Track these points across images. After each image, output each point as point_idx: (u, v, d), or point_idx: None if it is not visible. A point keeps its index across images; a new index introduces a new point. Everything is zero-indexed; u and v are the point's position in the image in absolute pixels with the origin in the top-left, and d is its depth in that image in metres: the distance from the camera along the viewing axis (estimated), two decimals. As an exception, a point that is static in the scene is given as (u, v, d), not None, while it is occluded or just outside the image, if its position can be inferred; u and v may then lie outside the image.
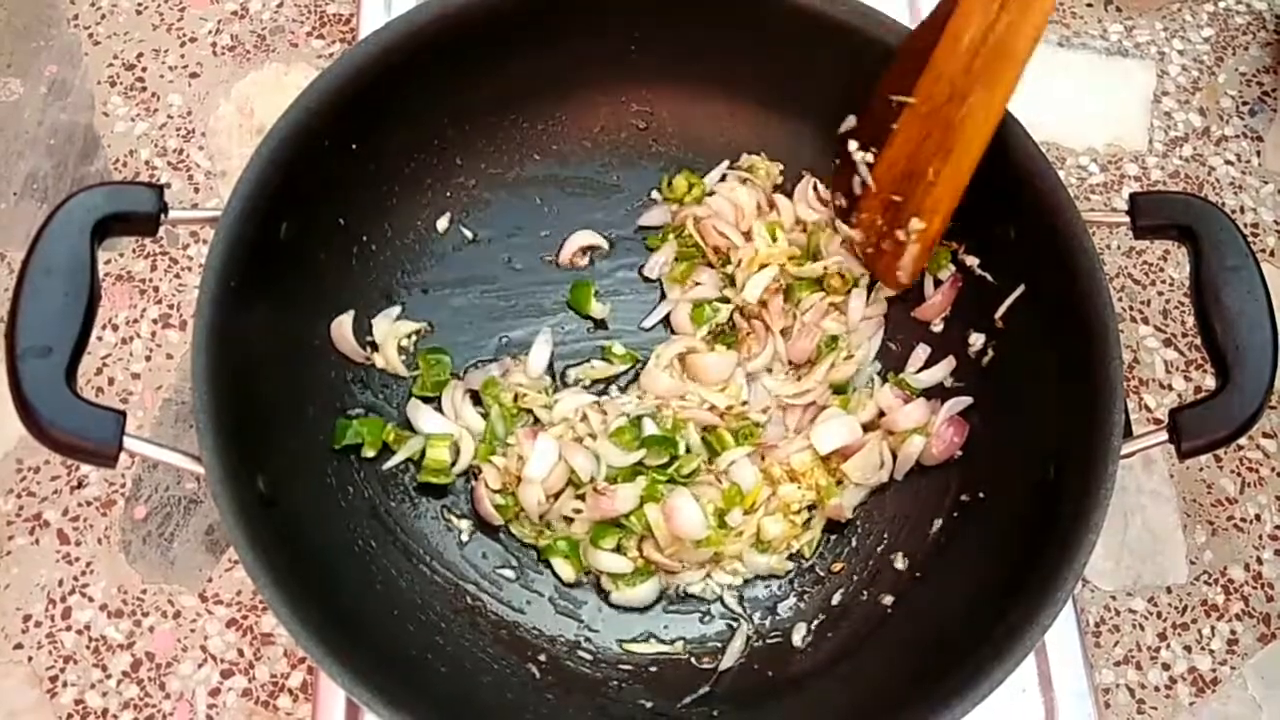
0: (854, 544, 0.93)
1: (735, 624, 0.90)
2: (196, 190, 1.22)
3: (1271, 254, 1.25)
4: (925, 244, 0.89)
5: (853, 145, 0.91)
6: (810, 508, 0.92)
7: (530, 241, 1.02)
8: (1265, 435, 1.15)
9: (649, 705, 0.85)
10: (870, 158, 0.90)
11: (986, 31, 0.80)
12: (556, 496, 0.90)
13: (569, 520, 0.90)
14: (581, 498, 0.89)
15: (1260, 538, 1.11)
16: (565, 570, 0.90)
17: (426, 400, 0.94)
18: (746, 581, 0.91)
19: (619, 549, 0.89)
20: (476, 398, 0.94)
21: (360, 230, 0.94)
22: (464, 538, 0.91)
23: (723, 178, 1.02)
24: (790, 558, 0.92)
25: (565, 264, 1.01)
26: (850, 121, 0.93)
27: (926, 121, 0.85)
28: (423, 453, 0.91)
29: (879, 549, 0.92)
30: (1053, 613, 0.72)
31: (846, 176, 0.93)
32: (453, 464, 0.91)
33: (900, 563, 0.91)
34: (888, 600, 0.89)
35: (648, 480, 0.89)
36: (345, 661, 0.70)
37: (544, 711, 0.82)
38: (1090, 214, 0.83)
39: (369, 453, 0.90)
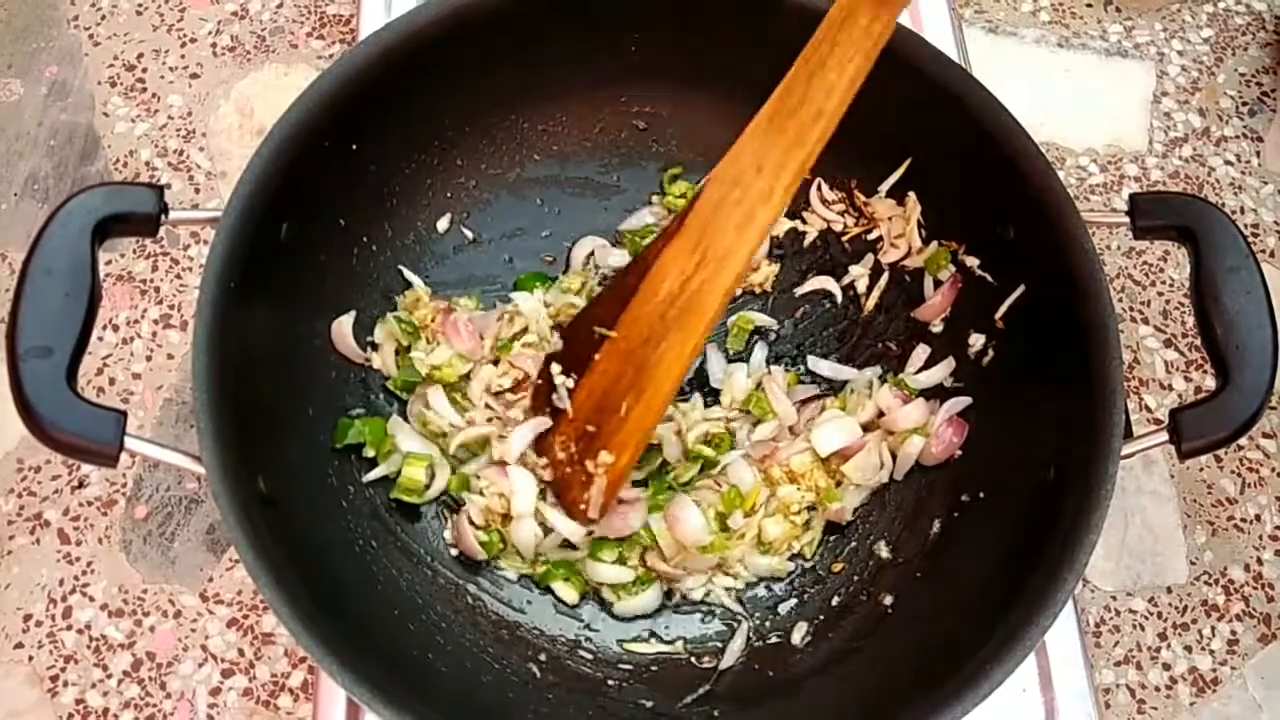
0: (854, 544, 0.93)
1: (735, 624, 0.90)
2: (197, 191, 1.22)
3: (1271, 254, 1.25)
4: (613, 479, 0.86)
5: (555, 368, 0.90)
6: (810, 508, 0.92)
7: (531, 242, 1.02)
8: (1265, 435, 1.15)
9: (649, 705, 0.85)
10: (570, 383, 0.89)
11: (684, 284, 0.82)
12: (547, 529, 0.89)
13: (567, 544, 0.90)
14: None
15: (1260, 538, 1.11)
16: (568, 593, 0.89)
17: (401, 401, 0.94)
18: (748, 585, 0.91)
19: (620, 560, 0.89)
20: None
21: (360, 231, 0.94)
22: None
23: None
24: (791, 559, 0.92)
25: (576, 269, 1.00)
26: (557, 343, 0.93)
27: (624, 359, 0.85)
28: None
29: (879, 549, 0.92)
30: (1053, 613, 0.72)
31: (545, 396, 0.91)
32: (428, 486, 0.90)
33: (900, 563, 0.91)
34: (888, 600, 0.89)
35: (651, 491, 0.89)
36: (345, 661, 0.70)
37: (544, 711, 0.82)
38: (1090, 214, 0.83)
39: (370, 453, 0.90)
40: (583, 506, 0.87)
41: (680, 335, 0.82)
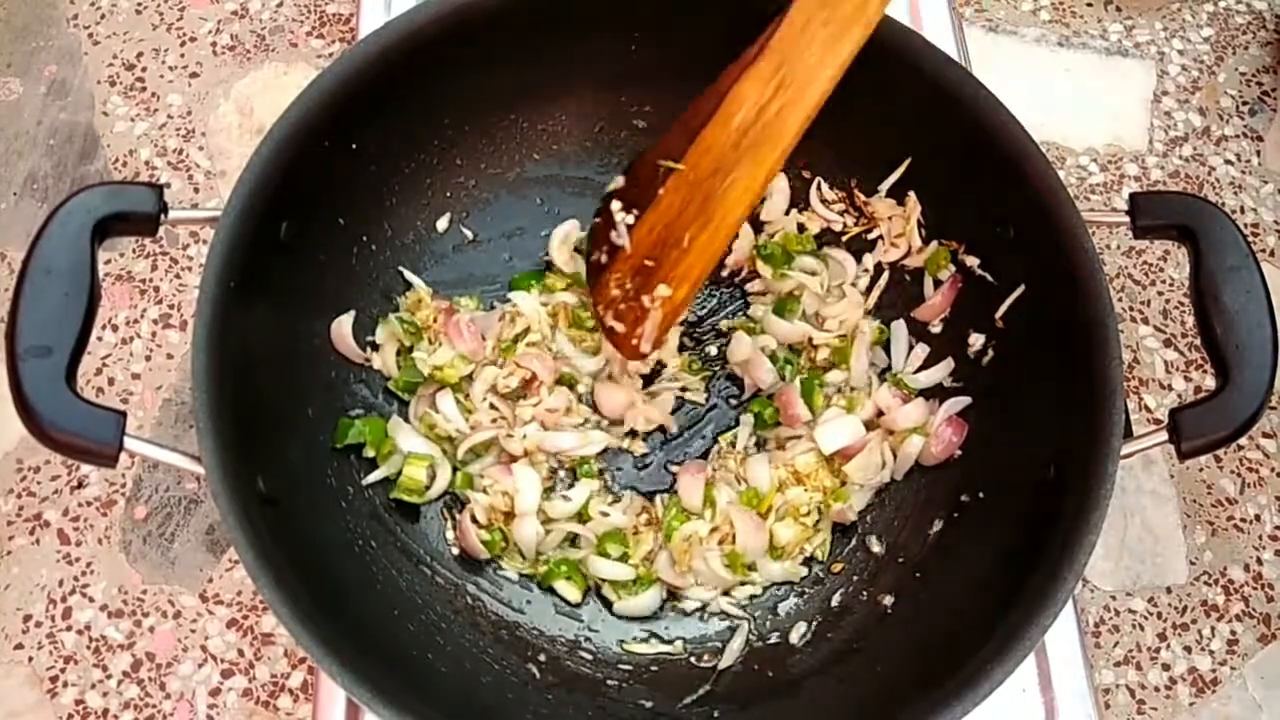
0: (854, 544, 0.93)
1: (735, 624, 0.90)
2: (196, 190, 1.22)
3: (1271, 254, 1.25)
4: (668, 311, 0.87)
5: (615, 205, 0.90)
6: (818, 510, 0.92)
7: (530, 242, 1.01)
8: (1265, 435, 1.15)
9: (649, 705, 0.85)
10: (630, 219, 0.89)
11: (759, 112, 0.82)
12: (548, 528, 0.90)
13: (572, 541, 0.90)
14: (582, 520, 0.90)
15: (1260, 538, 1.11)
16: (570, 591, 0.89)
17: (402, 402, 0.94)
18: (764, 589, 0.91)
19: (623, 557, 0.89)
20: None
21: (360, 230, 0.94)
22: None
23: None
24: (805, 563, 0.91)
25: (562, 263, 1.00)
26: (618, 181, 0.92)
27: (690, 190, 0.85)
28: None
29: (878, 549, 0.92)
30: (1053, 613, 0.72)
31: (605, 234, 0.91)
32: (429, 486, 0.90)
33: (900, 563, 0.91)
34: (888, 600, 0.89)
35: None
36: (345, 661, 0.70)
37: (544, 711, 0.82)
38: (1090, 214, 0.83)
39: (369, 453, 0.90)
40: (635, 341, 0.88)
41: (753, 164, 0.82)
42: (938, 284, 0.97)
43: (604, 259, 0.90)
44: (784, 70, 0.81)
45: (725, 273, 1.01)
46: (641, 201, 0.88)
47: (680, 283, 0.86)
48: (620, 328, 0.90)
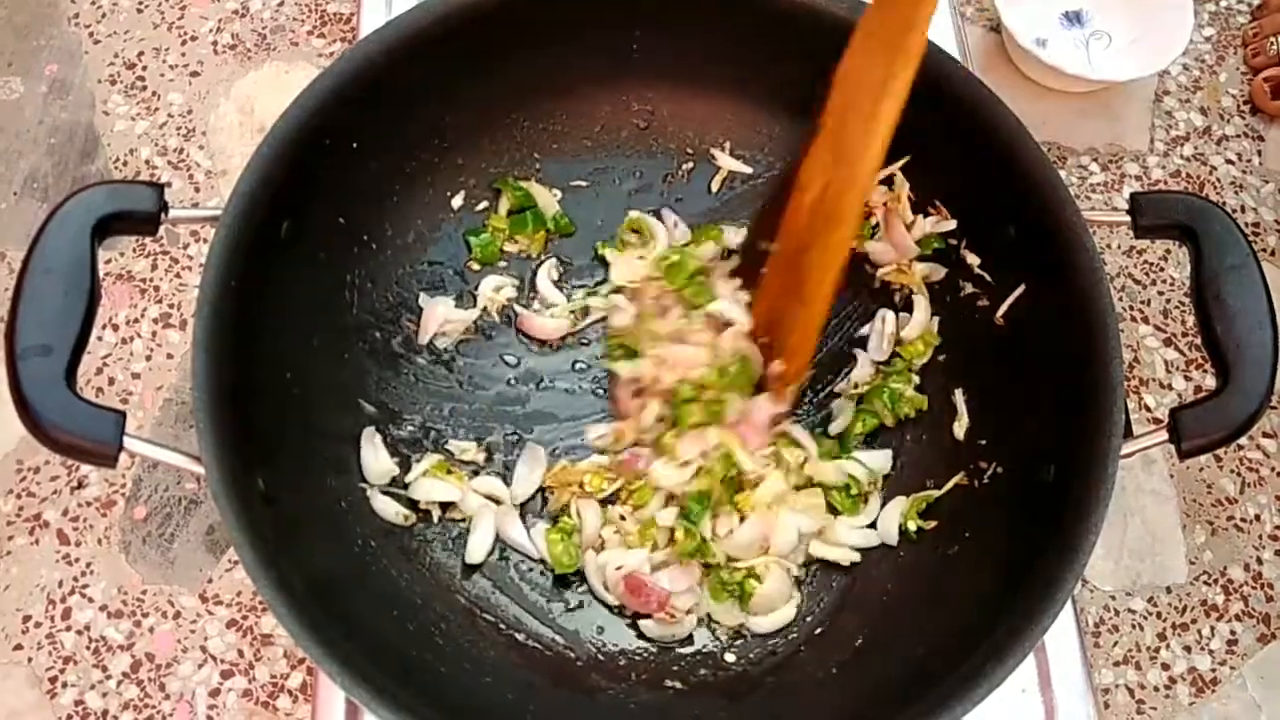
0: (854, 544, 0.93)
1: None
2: (197, 189, 1.22)
3: (1272, 253, 1.25)
4: (786, 381, 0.90)
5: (736, 283, 0.94)
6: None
7: (530, 241, 1.01)
8: (1265, 435, 1.15)
9: (649, 704, 0.85)
10: (748, 298, 0.92)
11: (824, 188, 0.82)
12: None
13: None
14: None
15: (1260, 538, 1.11)
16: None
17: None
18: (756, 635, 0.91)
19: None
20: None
21: (361, 229, 0.94)
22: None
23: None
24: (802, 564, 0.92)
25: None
26: (735, 261, 0.96)
27: (785, 268, 0.88)
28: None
29: (878, 549, 0.92)
30: (1053, 613, 0.72)
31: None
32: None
33: (899, 561, 0.90)
34: (887, 599, 0.89)
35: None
36: (345, 662, 0.70)
37: (544, 711, 0.82)
38: (1091, 213, 0.83)
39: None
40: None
41: (825, 240, 0.82)
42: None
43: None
44: (836, 146, 0.81)
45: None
46: (751, 282, 0.92)
47: (790, 358, 0.89)
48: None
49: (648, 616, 0.88)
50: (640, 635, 0.89)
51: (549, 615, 0.89)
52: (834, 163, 0.81)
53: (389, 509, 0.89)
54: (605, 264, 1.00)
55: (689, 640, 0.89)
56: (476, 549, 0.89)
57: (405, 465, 0.91)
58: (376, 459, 0.90)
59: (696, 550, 0.87)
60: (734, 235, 1.02)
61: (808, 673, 0.86)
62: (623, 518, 0.90)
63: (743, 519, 0.89)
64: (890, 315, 0.98)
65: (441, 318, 0.96)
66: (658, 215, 1.02)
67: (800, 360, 0.89)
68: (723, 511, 0.89)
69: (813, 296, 0.85)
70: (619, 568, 0.87)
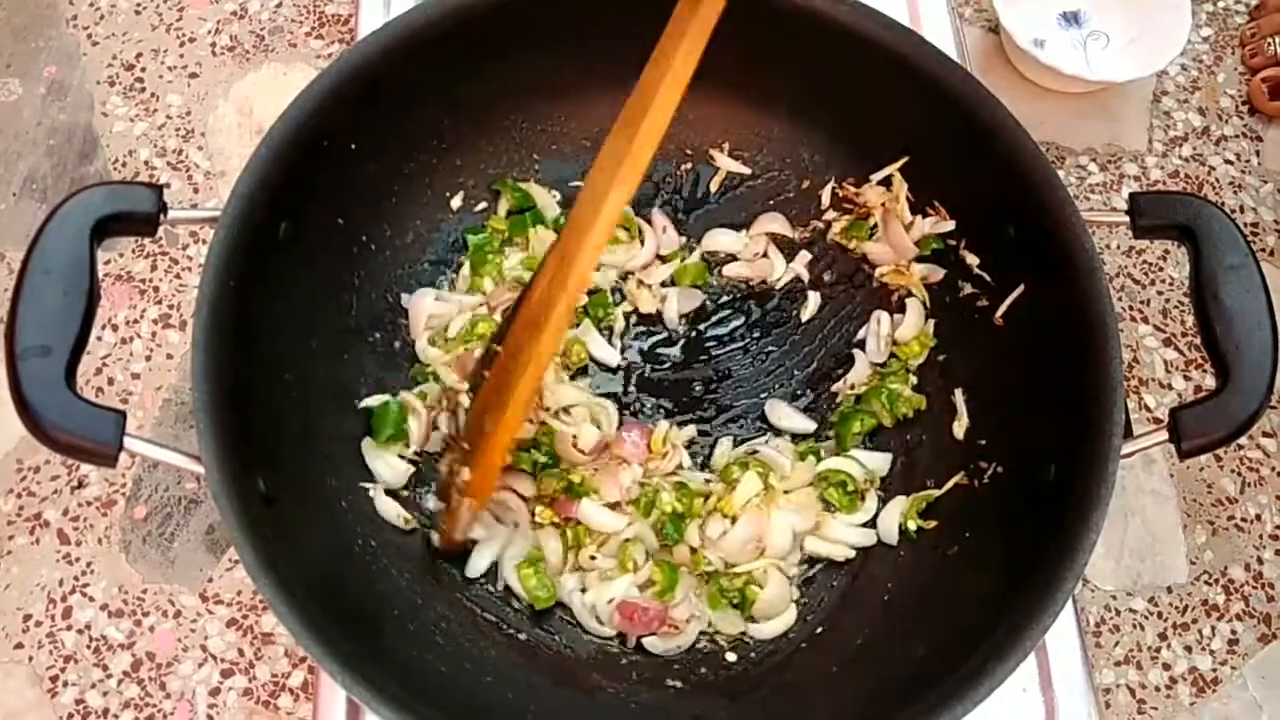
0: (854, 544, 0.93)
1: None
2: (196, 190, 1.22)
3: (1271, 253, 1.25)
4: (469, 495, 0.83)
5: (464, 387, 0.89)
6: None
7: (530, 241, 1.01)
8: (1265, 435, 1.15)
9: (650, 704, 0.85)
10: (466, 402, 0.87)
11: (547, 287, 0.77)
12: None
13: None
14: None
15: (1261, 538, 1.11)
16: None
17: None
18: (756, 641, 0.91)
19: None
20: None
21: (359, 230, 0.94)
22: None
23: None
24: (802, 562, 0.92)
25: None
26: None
27: (500, 373, 0.82)
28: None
29: (878, 548, 0.92)
30: (1053, 613, 0.72)
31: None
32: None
33: (899, 561, 0.91)
34: (887, 599, 0.89)
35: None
36: (345, 661, 0.70)
37: (544, 711, 0.82)
38: (1090, 213, 0.83)
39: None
40: (450, 528, 0.86)
41: (534, 344, 0.77)
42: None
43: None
44: (563, 245, 0.77)
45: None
46: (477, 385, 0.86)
47: (476, 466, 0.82)
48: (444, 511, 0.87)
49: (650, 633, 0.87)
50: (646, 653, 0.88)
51: (549, 616, 0.89)
52: (557, 261, 0.77)
53: (390, 510, 0.89)
54: None
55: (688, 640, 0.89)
56: (475, 567, 0.89)
57: (416, 467, 0.92)
58: (390, 465, 0.90)
59: (670, 586, 0.87)
60: (730, 240, 1.02)
61: (808, 672, 0.86)
62: (593, 558, 0.89)
63: (733, 520, 0.89)
64: (886, 317, 0.98)
65: (427, 311, 0.96)
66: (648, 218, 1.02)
67: (484, 470, 0.82)
68: (710, 518, 0.89)
69: (513, 401, 0.78)
70: (610, 600, 0.87)
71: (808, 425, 0.96)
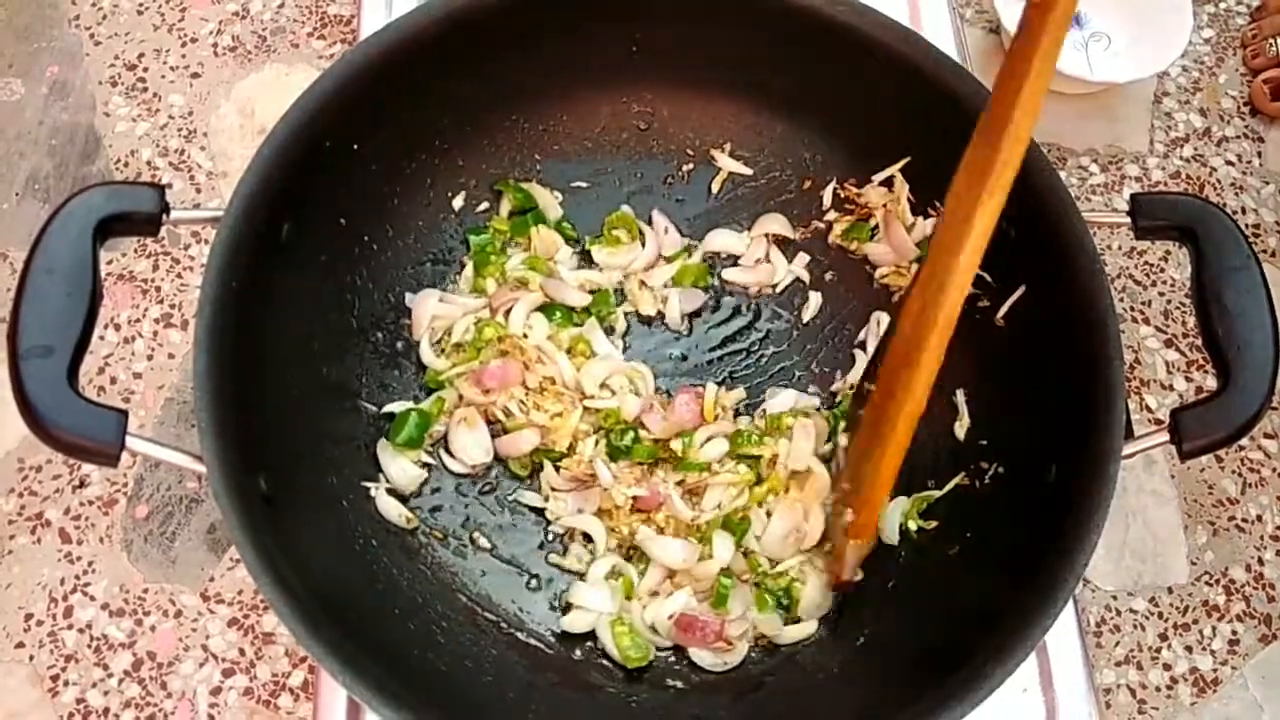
0: (854, 544, 0.93)
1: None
2: (198, 190, 1.22)
3: (1272, 254, 1.25)
4: (853, 536, 0.84)
5: (841, 425, 0.91)
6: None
7: (531, 241, 1.01)
8: (1266, 436, 1.15)
9: (650, 703, 0.85)
10: (845, 441, 0.89)
11: (916, 320, 0.77)
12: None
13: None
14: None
15: (1261, 538, 1.11)
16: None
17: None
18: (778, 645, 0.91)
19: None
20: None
21: (361, 231, 0.94)
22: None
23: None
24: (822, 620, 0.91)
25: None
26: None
27: (872, 411, 0.83)
28: None
29: (878, 548, 0.92)
30: (1053, 613, 0.72)
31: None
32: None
33: (900, 561, 0.90)
34: (887, 600, 0.89)
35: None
36: (346, 660, 0.70)
37: (544, 711, 0.82)
38: (1091, 214, 0.83)
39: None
40: (840, 568, 0.87)
41: (908, 381, 0.77)
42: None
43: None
44: (925, 281, 0.77)
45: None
46: (854, 425, 0.88)
47: (860, 507, 0.84)
48: (831, 553, 0.88)
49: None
50: (693, 666, 0.88)
51: (549, 617, 0.89)
52: (923, 299, 0.77)
53: (392, 510, 0.89)
54: (593, 262, 1.01)
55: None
56: (574, 624, 0.89)
57: (428, 472, 0.92)
58: (403, 469, 0.90)
59: (725, 597, 0.87)
60: (732, 240, 1.02)
61: (809, 672, 0.86)
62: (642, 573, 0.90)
63: (769, 514, 0.90)
64: (885, 317, 0.98)
65: (430, 313, 0.96)
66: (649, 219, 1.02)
67: (868, 510, 0.83)
68: (751, 513, 0.90)
69: (890, 441, 0.79)
70: (670, 616, 0.87)
71: (811, 401, 0.97)
